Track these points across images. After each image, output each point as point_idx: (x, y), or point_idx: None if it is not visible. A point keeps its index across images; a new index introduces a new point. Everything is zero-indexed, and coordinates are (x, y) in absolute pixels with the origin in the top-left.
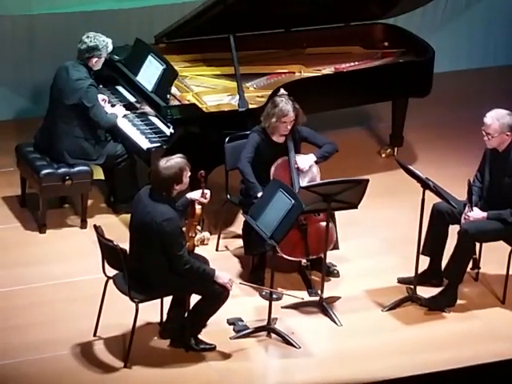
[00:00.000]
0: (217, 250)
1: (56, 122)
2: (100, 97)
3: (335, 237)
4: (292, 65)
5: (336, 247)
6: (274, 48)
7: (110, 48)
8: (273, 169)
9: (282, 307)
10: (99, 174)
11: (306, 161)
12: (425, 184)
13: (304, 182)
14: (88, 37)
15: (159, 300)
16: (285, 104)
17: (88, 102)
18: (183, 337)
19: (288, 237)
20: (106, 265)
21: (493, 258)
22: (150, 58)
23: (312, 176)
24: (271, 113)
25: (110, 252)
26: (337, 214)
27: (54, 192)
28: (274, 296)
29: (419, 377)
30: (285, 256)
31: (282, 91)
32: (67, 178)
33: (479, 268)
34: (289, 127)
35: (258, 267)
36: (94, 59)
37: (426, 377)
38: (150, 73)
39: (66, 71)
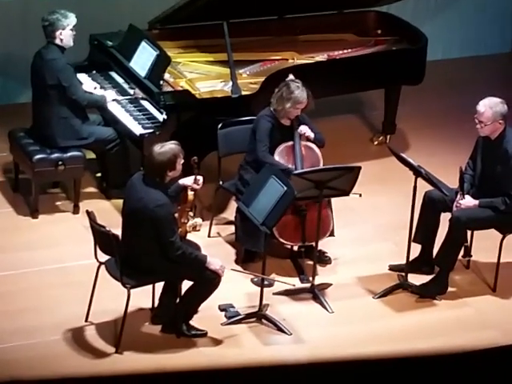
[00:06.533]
0: (209, 236)
1: (41, 108)
2: (91, 84)
3: (332, 224)
4: (285, 52)
5: (332, 234)
6: (268, 35)
7: (72, 19)
8: (277, 156)
9: (274, 294)
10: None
11: (307, 129)
12: (417, 171)
13: (307, 167)
14: (47, 14)
15: (151, 286)
16: (301, 91)
17: (64, 81)
18: (175, 323)
19: (287, 222)
20: (98, 250)
21: (484, 245)
22: (143, 44)
23: (314, 161)
24: (287, 97)
25: (102, 237)
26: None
27: (46, 177)
28: (266, 282)
29: (409, 360)
30: (281, 240)
31: (291, 77)
32: (60, 163)
33: (470, 256)
34: (299, 112)
35: (247, 260)
36: (58, 32)
37: (416, 360)
38: (143, 59)
39: (39, 55)
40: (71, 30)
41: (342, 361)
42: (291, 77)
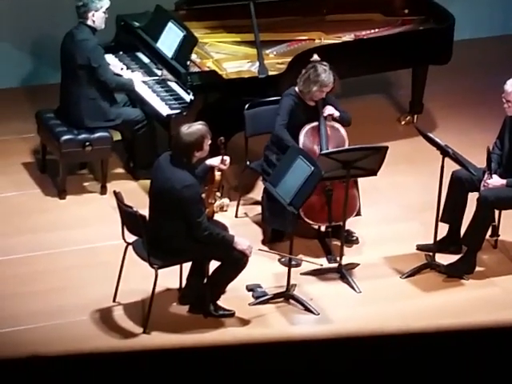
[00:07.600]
0: (236, 216)
1: (70, 88)
2: (118, 64)
3: (359, 204)
4: (312, 32)
5: (359, 214)
6: (295, 15)
7: (106, 1)
8: (302, 137)
9: (301, 274)
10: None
11: (332, 109)
12: (444, 151)
13: (332, 147)
14: None
15: (178, 266)
16: (328, 74)
17: (94, 62)
18: (202, 303)
19: (312, 202)
20: (126, 231)
21: None
22: (170, 24)
23: (339, 141)
24: (313, 80)
25: (129, 218)
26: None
27: (74, 158)
28: (293, 262)
29: (435, 334)
30: (308, 221)
31: (316, 57)
32: (87, 143)
33: (498, 235)
34: (324, 95)
35: (275, 240)
36: (91, 13)
37: (443, 335)
38: (170, 39)
39: (70, 36)
40: (104, 12)
41: (367, 336)
42: (316, 57)
